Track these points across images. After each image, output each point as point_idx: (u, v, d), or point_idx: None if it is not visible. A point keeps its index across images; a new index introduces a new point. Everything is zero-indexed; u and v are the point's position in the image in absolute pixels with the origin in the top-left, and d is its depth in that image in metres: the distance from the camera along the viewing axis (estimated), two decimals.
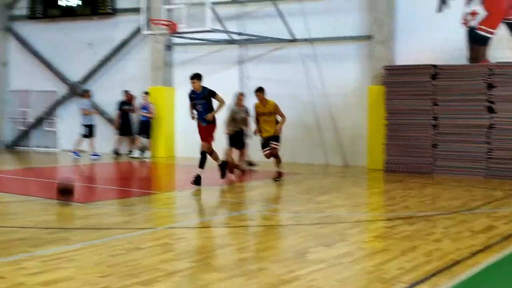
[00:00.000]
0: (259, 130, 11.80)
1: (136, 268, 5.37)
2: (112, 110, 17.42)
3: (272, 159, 11.79)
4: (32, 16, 19.04)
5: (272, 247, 6.35)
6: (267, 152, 11.62)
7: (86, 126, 16.24)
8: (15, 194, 9.98)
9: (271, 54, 15.84)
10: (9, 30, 19.70)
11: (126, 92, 17.00)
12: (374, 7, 14.19)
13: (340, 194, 10.27)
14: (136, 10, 16.85)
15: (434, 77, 13.28)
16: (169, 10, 14.67)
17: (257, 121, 11.81)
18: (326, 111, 15.06)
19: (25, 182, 12.17)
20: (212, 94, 10.74)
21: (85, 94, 16.66)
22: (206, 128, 10.78)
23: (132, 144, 16.97)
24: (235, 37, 15.81)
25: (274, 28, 15.24)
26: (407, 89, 13.53)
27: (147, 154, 16.64)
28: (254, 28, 15.62)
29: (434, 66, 13.30)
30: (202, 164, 10.80)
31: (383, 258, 5.82)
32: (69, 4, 18.35)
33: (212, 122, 10.77)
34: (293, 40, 15.21)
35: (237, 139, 12.76)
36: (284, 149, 15.18)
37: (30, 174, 13.28)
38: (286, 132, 15.26)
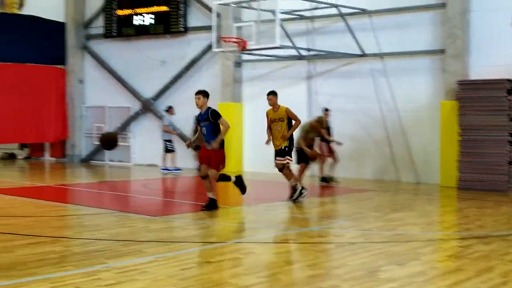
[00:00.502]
0: (269, 141, 10.90)
1: (207, 281, 5.43)
2: (183, 126, 17.74)
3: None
4: (107, 35, 19.78)
5: (343, 264, 6.27)
6: (277, 162, 10.74)
7: (166, 141, 16.65)
8: (90, 207, 10.32)
9: (340, 69, 15.77)
10: (86, 49, 20.53)
11: None
12: (448, 21, 13.88)
13: (412, 212, 10.03)
14: (207, 28, 17.23)
15: (510, 92, 12.83)
16: (239, 28, 14.92)
17: (269, 129, 10.77)
18: (396, 126, 14.81)
19: (100, 195, 12.57)
20: (215, 116, 9.46)
21: (169, 110, 16.96)
22: (215, 154, 9.51)
23: None
24: (304, 52, 15.86)
25: (343, 43, 15.18)
26: (481, 104, 13.12)
27: None
28: (323, 43, 15.61)
29: (510, 80, 12.86)
30: (212, 187, 9.66)
31: (458, 278, 5.64)
32: (142, 23, 18.95)
33: (221, 147, 9.57)
34: (363, 55, 15.09)
35: (304, 155, 12.35)
36: (353, 165, 15.10)
37: (104, 188, 13.71)
38: (355, 147, 15.17)
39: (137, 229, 8.19)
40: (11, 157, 21.39)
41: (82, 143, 20.66)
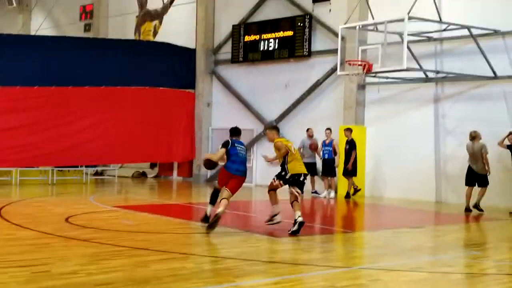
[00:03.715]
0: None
1: None
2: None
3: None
4: (234, 60, 20.47)
5: None
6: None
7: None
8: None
9: (470, 92, 15.16)
10: (214, 73, 21.37)
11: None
12: None
13: None
14: (331, 52, 17.34)
15: None
16: (363, 51, 14.86)
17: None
18: None
19: (224, 214, 12.89)
20: None
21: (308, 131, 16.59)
22: None
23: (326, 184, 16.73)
24: (431, 75, 15.45)
25: (473, 65, 14.61)
26: None
27: (332, 193, 16.15)
28: (452, 65, 15.12)
29: None
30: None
31: None
32: (268, 48, 19.42)
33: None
34: (495, 77, 14.42)
35: None
36: (486, 192, 14.24)
37: (228, 207, 14.02)
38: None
39: (261, 249, 8.34)
40: (142, 175, 22.64)
41: None
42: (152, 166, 22.91)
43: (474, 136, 13.35)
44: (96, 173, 21.93)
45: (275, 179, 9.68)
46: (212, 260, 7.36)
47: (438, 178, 15.67)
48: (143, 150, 20.07)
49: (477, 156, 13.20)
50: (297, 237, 9.25)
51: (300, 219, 9.31)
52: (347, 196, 15.94)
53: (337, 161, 16.11)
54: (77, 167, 19.99)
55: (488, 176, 13.34)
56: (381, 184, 16.72)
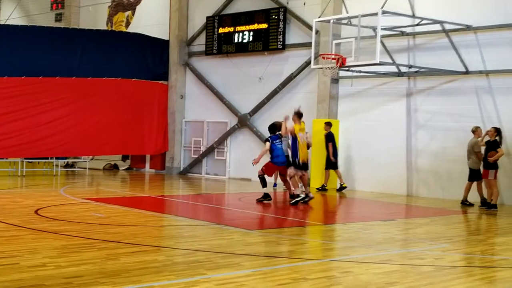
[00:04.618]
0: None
1: None
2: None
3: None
4: (208, 52, 20.35)
5: None
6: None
7: None
8: (188, 218, 10.61)
9: (442, 86, 15.32)
10: (187, 65, 21.23)
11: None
12: None
13: None
14: (305, 45, 17.36)
15: None
16: (337, 44, 14.90)
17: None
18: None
19: (197, 207, 12.88)
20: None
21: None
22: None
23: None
24: (404, 69, 15.57)
25: (445, 60, 14.78)
26: None
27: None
28: (424, 60, 15.26)
29: None
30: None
31: None
32: (242, 40, 19.35)
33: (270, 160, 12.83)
34: (466, 72, 14.59)
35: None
36: (455, 186, 14.49)
37: (201, 200, 14.03)
38: (456, 167, 14.60)
39: (234, 242, 8.32)
40: (114, 167, 22.43)
41: (180, 156, 21.30)
42: (124, 158, 22.71)
43: (473, 131, 13.55)
44: (67, 165, 21.65)
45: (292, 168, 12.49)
46: (184, 253, 7.30)
47: (410, 171, 15.84)
48: (115, 142, 19.86)
49: (470, 151, 13.44)
50: (271, 229, 9.24)
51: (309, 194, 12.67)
52: (322, 188, 16.12)
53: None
54: (47, 158, 19.70)
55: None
56: (353, 177, 16.83)
